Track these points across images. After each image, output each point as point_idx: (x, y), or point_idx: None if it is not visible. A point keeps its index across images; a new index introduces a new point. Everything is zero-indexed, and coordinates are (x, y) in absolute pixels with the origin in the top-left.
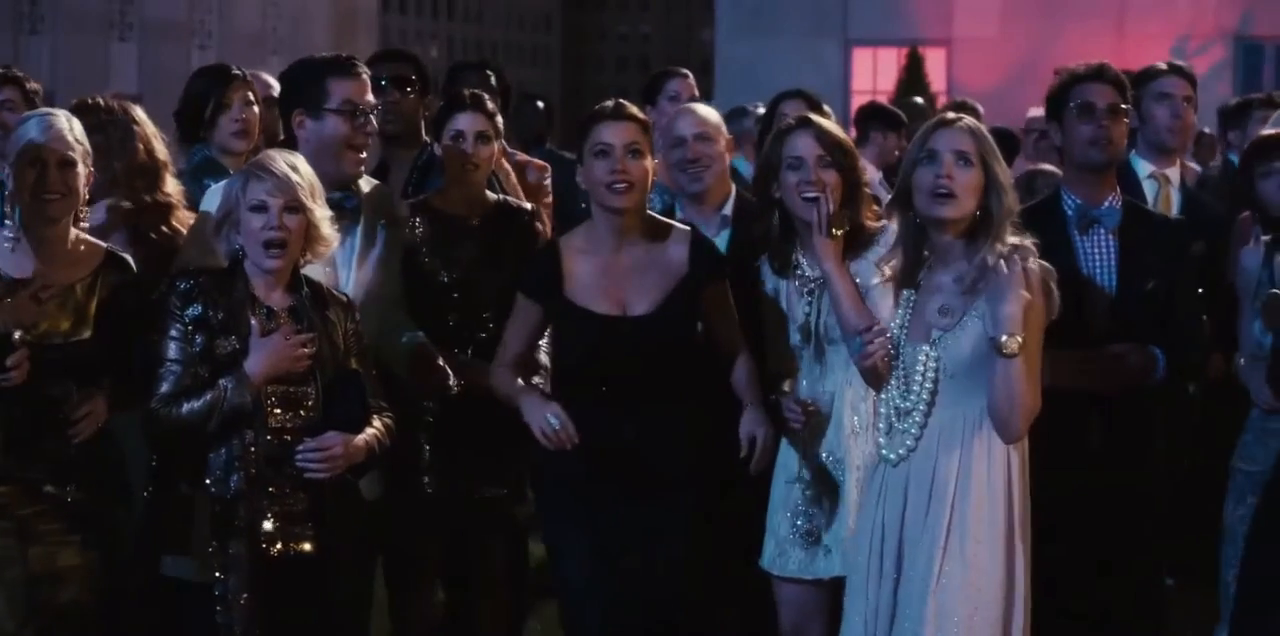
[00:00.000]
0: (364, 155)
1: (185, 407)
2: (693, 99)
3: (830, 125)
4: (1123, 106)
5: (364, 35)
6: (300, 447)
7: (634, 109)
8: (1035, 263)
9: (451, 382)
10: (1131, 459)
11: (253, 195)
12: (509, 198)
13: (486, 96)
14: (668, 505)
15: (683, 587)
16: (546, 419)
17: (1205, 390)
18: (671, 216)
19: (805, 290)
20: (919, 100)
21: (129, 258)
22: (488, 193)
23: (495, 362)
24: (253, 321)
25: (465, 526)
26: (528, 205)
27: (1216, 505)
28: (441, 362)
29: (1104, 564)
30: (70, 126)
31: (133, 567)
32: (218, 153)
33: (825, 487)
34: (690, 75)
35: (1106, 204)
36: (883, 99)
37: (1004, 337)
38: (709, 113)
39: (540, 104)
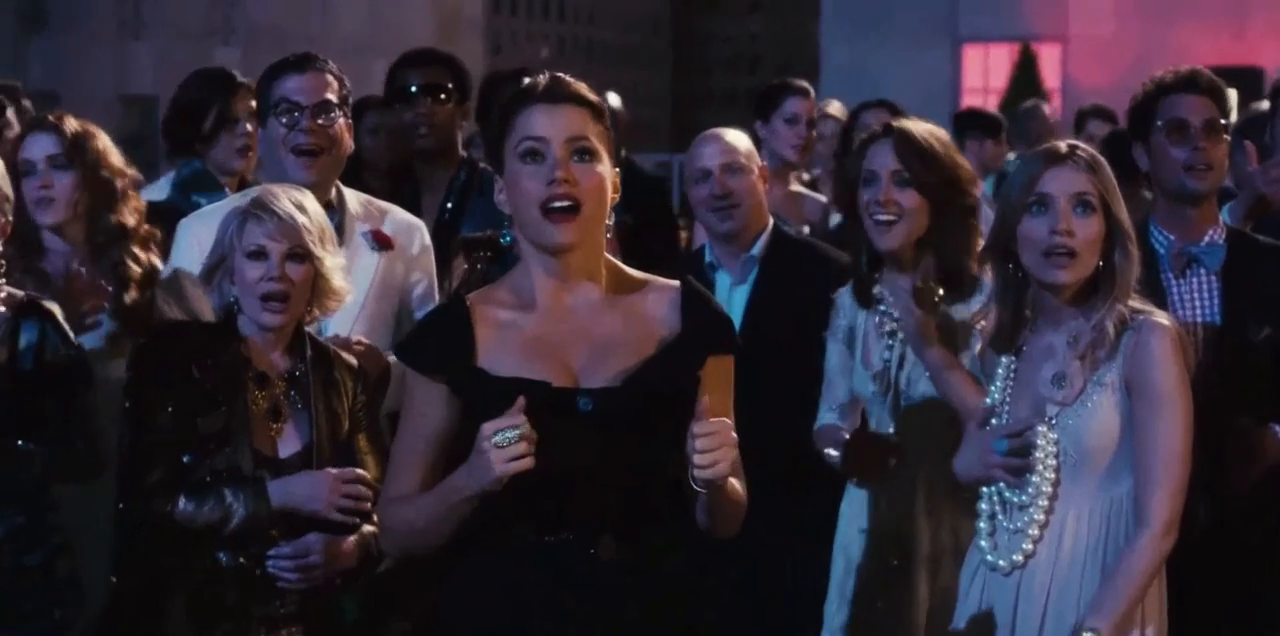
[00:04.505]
0: (316, 158)
1: (182, 510)
2: (812, 122)
3: (921, 134)
4: (1222, 122)
5: (469, 37)
6: (272, 552)
7: (580, 86)
8: (1167, 318)
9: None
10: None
11: (250, 239)
12: None
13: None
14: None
15: None
16: (502, 443)
17: None
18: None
19: (885, 330)
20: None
21: (51, 305)
22: None
23: (382, 504)
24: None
25: None
26: None
27: None
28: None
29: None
30: None
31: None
32: (215, 169)
33: (891, 575)
34: (812, 92)
35: (1207, 239)
36: (994, 98)
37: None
38: (738, 138)
39: None
